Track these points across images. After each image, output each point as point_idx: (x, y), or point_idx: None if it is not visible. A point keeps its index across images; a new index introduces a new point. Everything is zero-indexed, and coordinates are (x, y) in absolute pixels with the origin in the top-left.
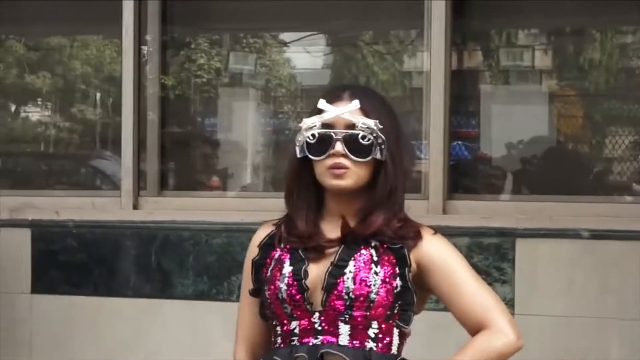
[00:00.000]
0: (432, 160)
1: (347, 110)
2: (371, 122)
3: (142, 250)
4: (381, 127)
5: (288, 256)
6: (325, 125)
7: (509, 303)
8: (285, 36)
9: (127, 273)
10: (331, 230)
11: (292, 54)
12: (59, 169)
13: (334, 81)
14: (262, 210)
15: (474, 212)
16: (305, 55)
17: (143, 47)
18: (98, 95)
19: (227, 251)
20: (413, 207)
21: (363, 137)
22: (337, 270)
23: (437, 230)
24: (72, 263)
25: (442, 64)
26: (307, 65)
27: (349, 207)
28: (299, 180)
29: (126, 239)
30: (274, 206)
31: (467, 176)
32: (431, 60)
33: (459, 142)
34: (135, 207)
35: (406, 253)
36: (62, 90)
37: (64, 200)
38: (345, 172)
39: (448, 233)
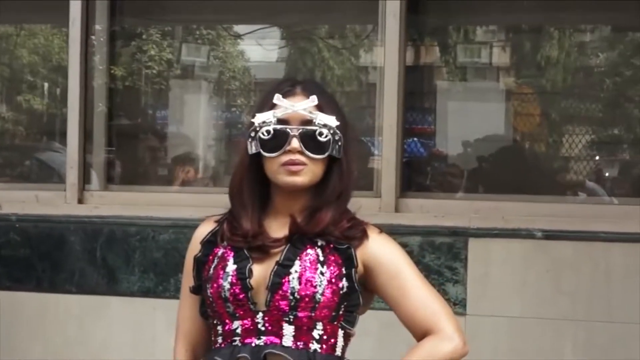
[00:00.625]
0: (385, 158)
1: (306, 106)
2: (329, 119)
3: (87, 245)
4: (338, 123)
5: (232, 254)
6: (280, 121)
7: (461, 303)
8: (240, 28)
9: (71, 269)
10: (276, 228)
11: (246, 46)
12: (2, 161)
13: (289, 75)
14: (211, 206)
15: (427, 211)
16: (260, 47)
17: (92, 36)
18: (46, 85)
19: (175, 247)
20: (365, 205)
21: (320, 134)
22: (282, 270)
23: (383, 229)
24: (15, 258)
25: (396, 59)
26: (261, 58)
27: (297, 204)
28: (248, 177)
29: (71, 233)
30: (224, 202)
31: (420, 174)
32: (385, 55)
33: (415, 139)
34: (81, 201)
35: (353, 253)
36: (7, 80)
37: (7, 193)
38: (301, 169)
39: (400, 232)
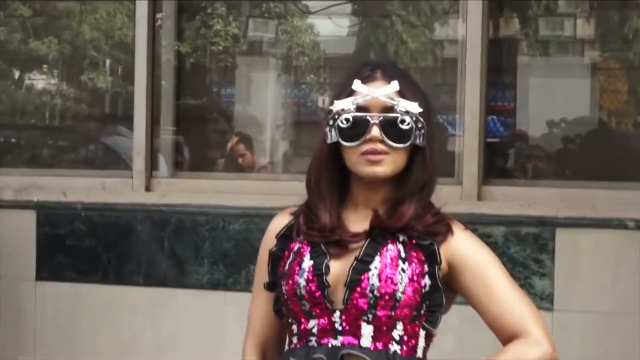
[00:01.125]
0: (467, 142)
1: (387, 92)
2: (411, 105)
3: (154, 235)
4: (421, 110)
5: (308, 249)
6: (359, 108)
7: (548, 298)
8: (309, 1)
9: (138, 260)
10: (356, 222)
11: (316, 20)
12: (66, 146)
13: (360, 50)
14: (282, 194)
15: (511, 199)
16: (329, 22)
17: (157, 13)
18: (108, 62)
19: (245, 238)
20: (445, 193)
21: (402, 121)
22: (361, 266)
23: (467, 225)
24: (80, 248)
25: (478, 33)
26: (331, 32)
27: (378, 196)
28: (326, 167)
29: (138, 223)
30: (296, 189)
31: (502, 157)
32: (467, 28)
33: (494, 117)
34: (148, 188)
35: (437, 250)
36: (69, 57)
37: (71, 180)
38: (382, 159)
39: (483, 222)
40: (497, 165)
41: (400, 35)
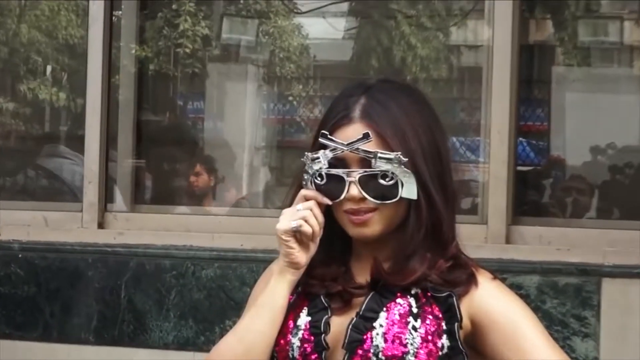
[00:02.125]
0: (493, 170)
1: (356, 146)
2: (391, 155)
3: (108, 282)
4: (405, 159)
5: (306, 303)
6: (335, 161)
7: None
8: None
9: (88, 313)
10: (361, 272)
11: (305, 20)
12: None
13: (358, 56)
14: (265, 234)
15: (547, 242)
16: (322, 22)
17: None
18: (50, 69)
19: (221, 286)
20: (467, 234)
21: (384, 177)
22: (363, 323)
23: (497, 275)
24: (17, 298)
25: (508, 36)
26: (323, 34)
27: (383, 249)
28: (321, 211)
29: (88, 267)
30: None
31: (536, 190)
32: (494, 31)
33: (524, 140)
34: (101, 225)
35: (455, 303)
36: (4, 62)
37: (8, 214)
38: (368, 218)
39: (513, 269)
40: (529, 200)
41: (408, 39)
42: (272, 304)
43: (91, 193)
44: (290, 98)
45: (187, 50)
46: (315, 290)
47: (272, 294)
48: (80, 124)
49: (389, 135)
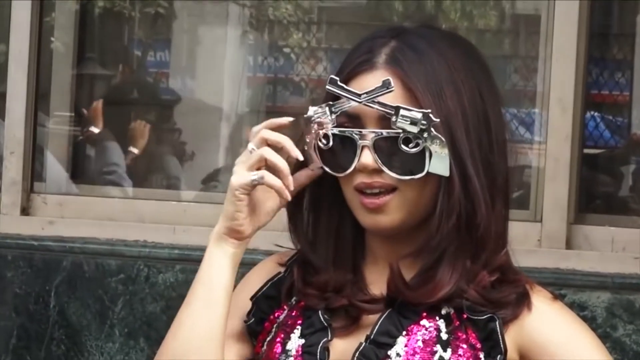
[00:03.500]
0: (552, 152)
1: (372, 97)
2: (418, 114)
3: (34, 287)
4: (436, 120)
5: (301, 320)
6: (347, 118)
7: None
8: None
9: (5, 327)
10: (376, 280)
11: None
12: None
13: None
14: None
15: (622, 248)
16: None
17: None
18: None
19: (183, 296)
20: (515, 236)
21: (407, 141)
22: (375, 351)
23: (557, 295)
24: None
25: None
26: None
27: (403, 249)
28: (320, 197)
29: (7, 265)
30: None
31: (609, 180)
32: None
33: (595, 114)
34: (26, 211)
35: (499, 330)
36: None
37: None
38: (385, 202)
39: (574, 283)
40: (599, 191)
41: None
42: (209, 283)
43: (13, 168)
44: (286, 50)
45: None
46: (312, 302)
47: (207, 269)
48: (1, 77)
49: (420, 89)
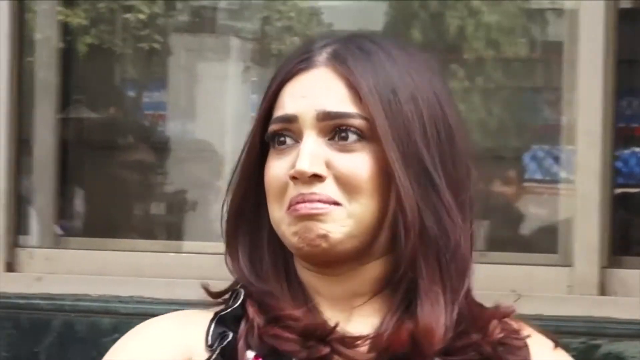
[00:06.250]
0: (581, 190)
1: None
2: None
3: (20, 350)
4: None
5: None
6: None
7: None
8: None
9: None
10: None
11: None
12: None
13: (389, 25)
14: None
15: None
16: None
17: None
18: None
19: None
20: (543, 281)
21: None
22: None
23: (559, 341)
24: None
25: None
26: None
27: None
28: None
29: None
30: None
31: None
32: None
33: (623, 148)
34: (11, 267)
35: None
36: None
37: None
38: (325, 212)
39: (610, 332)
40: (634, 232)
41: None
42: None
43: None
44: None
45: (141, 17)
46: (287, 348)
47: None
48: None
49: (366, 89)
